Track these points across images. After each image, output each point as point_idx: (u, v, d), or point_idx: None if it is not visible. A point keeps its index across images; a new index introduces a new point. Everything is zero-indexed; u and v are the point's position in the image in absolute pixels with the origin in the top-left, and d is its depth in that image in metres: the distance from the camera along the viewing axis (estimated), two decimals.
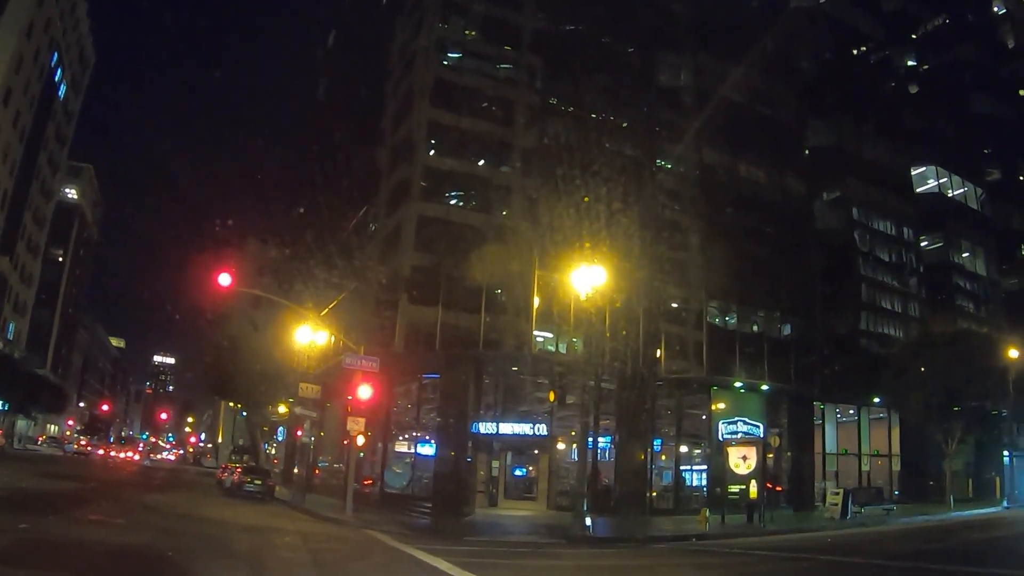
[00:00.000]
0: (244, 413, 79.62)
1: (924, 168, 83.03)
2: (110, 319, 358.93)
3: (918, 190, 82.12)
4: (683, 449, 54.14)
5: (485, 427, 47.37)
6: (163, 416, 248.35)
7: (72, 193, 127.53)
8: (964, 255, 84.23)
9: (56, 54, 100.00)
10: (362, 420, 38.61)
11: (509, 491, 50.20)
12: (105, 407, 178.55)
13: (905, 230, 76.63)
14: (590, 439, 40.81)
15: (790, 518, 48.04)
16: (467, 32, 55.86)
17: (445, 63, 54.86)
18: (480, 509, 45.65)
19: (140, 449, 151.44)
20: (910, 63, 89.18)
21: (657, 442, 52.55)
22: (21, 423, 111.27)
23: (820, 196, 69.47)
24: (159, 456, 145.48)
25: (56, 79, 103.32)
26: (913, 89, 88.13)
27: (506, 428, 47.76)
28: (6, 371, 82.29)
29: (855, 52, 78.00)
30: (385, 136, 58.54)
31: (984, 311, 77.97)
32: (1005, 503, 57.93)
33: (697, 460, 55.43)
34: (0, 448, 73.77)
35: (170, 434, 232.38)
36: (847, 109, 72.41)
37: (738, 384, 55.09)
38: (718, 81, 58.63)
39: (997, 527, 41.06)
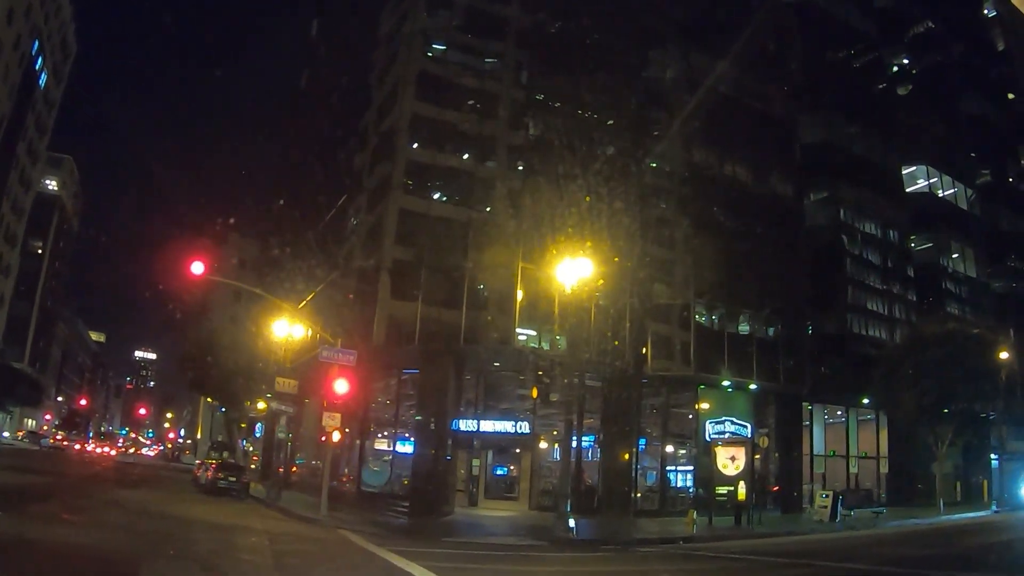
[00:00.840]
0: (223, 409, 78.57)
1: (915, 167, 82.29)
2: (90, 313, 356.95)
3: (908, 190, 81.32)
4: (669, 449, 53.00)
5: (466, 424, 46.16)
6: (142, 412, 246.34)
7: (52, 184, 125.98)
8: (954, 256, 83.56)
9: (37, 41, 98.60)
10: (338, 415, 37.60)
11: (490, 490, 48.92)
12: (83, 402, 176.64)
13: (895, 230, 75.73)
14: (573, 438, 39.84)
15: (778, 520, 47.04)
16: (452, 24, 54.61)
17: (430, 55, 53.68)
18: (460, 509, 44.29)
19: (119, 445, 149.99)
20: (902, 62, 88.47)
21: (642, 441, 51.45)
22: None
23: (810, 194, 68.37)
24: (139, 452, 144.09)
25: (37, 67, 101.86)
26: (904, 88, 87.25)
27: (487, 426, 46.60)
28: None
29: (847, 49, 76.89)
30: (368, 129, 57.32)
31: (973, 312, 76.98)
32: (994, 507, 57.23)
33: (683, 460, 54.33)
34: None
35: (150, 430, 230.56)
36: (838, 106, 71.35)
37: (726, 383, 53.96)
38: (707, 77, 57.73)
39: (994, 532, 40.06)
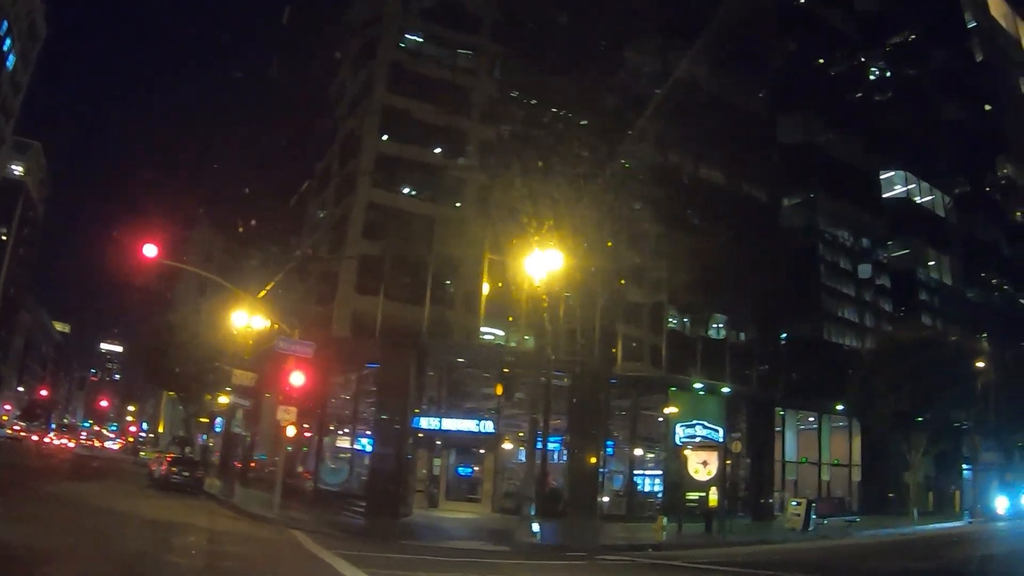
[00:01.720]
0: (184, 406, 76.87)
1: (892, 173, 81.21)
2: (55, 303, 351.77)
3: (885, 195, 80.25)
4: (637, 452, 51.51)
5: (428, 422, 44.52)
6: (103, 404, 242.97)
7: (17, 169, 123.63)
8: (930, 263, 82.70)
9: (6, 23, 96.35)
10: (294, 409, 36.02)
11: (451, 491, 47.25)
12: (44, 392, 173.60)
13: (871, 235, 74.60)
14: (539, 438, 38.48)
15: (750, 528, 45.79)
16: (427, 18, 53.20)
17: (403, 46, 52.21)
18: (419, 510, 42.70)
19: (82, 437, 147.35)
20: (882, 67, 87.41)
21: (610, 444, 50.13)
22: None
23: (786, 197, 67.03)
24: (102, 445, 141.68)
25: (4, 48, 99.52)
26: (884, 94, 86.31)
27: (450, 424, 44.96)
28: None
29: (827, 52, 75.94)
30: (340, 120, 55.77)
31: (948, 321, 76.16)
32: (967, 517, 56.44)
33: (652, 465, 52.84)
34: None
35: (113, 423, 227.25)
36: (817, 109, 70.15)
37: (697, 385, 52.63)
38: (684, 76, 56.70)
39: (973, 544, 38.82)
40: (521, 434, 46.06)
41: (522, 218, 39.42)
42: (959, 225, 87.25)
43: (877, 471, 62.13)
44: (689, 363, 53.10)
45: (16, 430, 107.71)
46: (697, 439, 43.94)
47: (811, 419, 63.29)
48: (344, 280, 46.24)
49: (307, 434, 48.67)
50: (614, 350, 49.21)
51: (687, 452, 42.47)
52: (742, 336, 58.97)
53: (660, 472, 51.36)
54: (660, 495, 50.25)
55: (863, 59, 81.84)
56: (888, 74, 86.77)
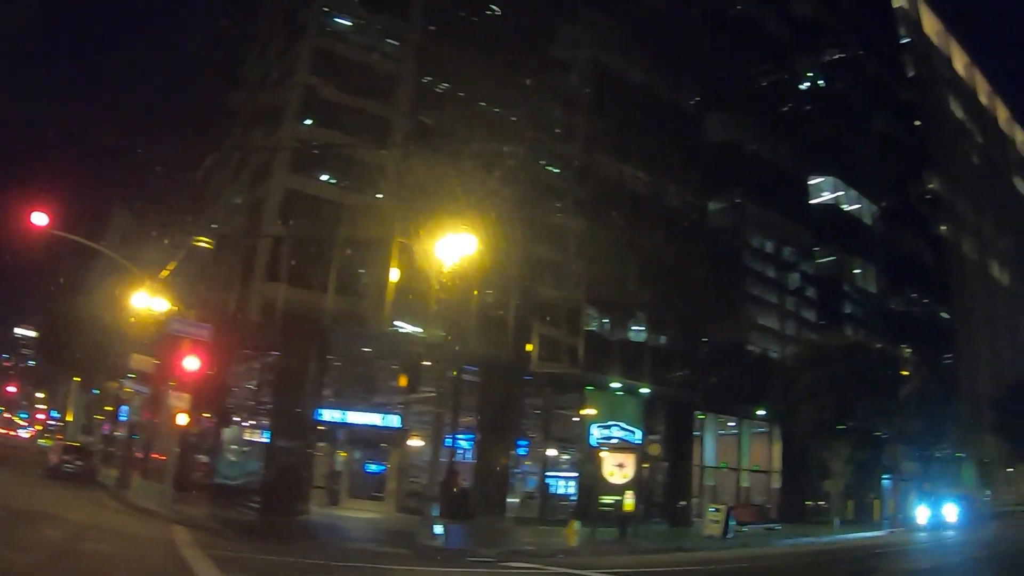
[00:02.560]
0: (95, 390, 74.15)
1: (821, 179, 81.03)
2: None
3: (813, 201, 79.99)
4: (551, 453, 50.17)
5: (331, 415, 42.30)
6: (10, 390, 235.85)
7: None
8: (855, 272, 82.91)
9: None
10: (187, 396, 34.15)
11: (355, 489, 44.86)
12: None
13: (798, 240, 73.91)
14: (447, 435, 36.82)
15: (667, 534, 44.42)
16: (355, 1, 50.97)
17: (329, 30, 49.81)
18: (320, 508, 40.38)
19: None
20: (816, 74, 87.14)
21: (524, 444, 48.63)
22: None
23: (713, 199, 65.84)
24: (12, 432, 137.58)
25: None
26: (817, 101, 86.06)
27: (355, 417, 42.68)
28: None
29: (763, 54, 75.06)
30: (259, 102, 53.16)
31: (871, 331, 76.18)
32: (888, 527, 55.99)
33: (566, 466, 51.52)
34: None
35: (23, 411, 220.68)
36: (749, 110, 69.56)
37: (615, 385, 51.37)
38: (613, 69, 55.71)
39: (902, 556, 37.23)
40: (432, 430, 44.10)
41: (438, 209, 37.57)
42: (885, 235, 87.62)
43: (798, 478, 61.94)
44: (607, 363, 51.84)
45: None
46: (613, 440, 42.57)
47: (731, 424, 62.94)
48: (247, 264, 43.96)
49: (209, 424, 46.40)
50: (529, 347, 47.62)
51: (602, 454, 40.70)
52: (663, 338, 57.90)
53: (575, 474, 50.03)
54: (574, 498, 48.89)
55: (797, 65, 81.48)
56: (821, 82, 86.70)
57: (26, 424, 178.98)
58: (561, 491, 50.80)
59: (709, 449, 60.54)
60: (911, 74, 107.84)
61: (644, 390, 52.80)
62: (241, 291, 43.92)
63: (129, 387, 57.56)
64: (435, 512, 30.28)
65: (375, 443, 44.75)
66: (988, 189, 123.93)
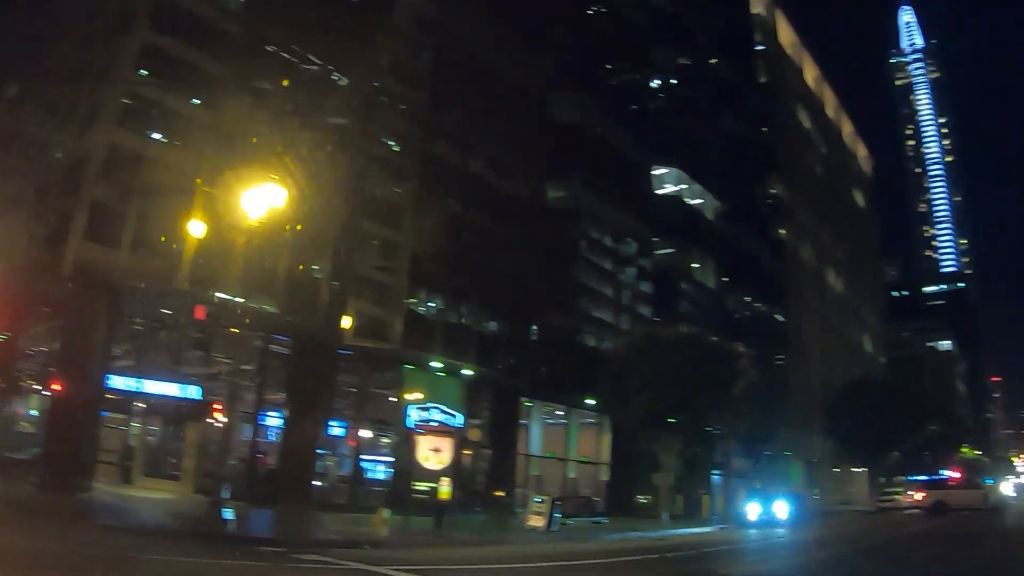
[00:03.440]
0: None
1: (666, 170, 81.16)
2: None
3: (657, 191, 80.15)
4: (366, 435, 47.55)
5: (124, 383, 38.09)
6: None
7: None
8: (694, 265, 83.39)
9: None
10: None
11: (151, 467, 40.60)
12: None
13: (639, 229, 73.33)
14: (252, 411, 33.94)
15: (486, 525, 42.55)
16: None
17: None
18: (108, 486, 36.41)
19: None
20: (669, 66, 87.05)
21: (340, 425, 45.95)
22: None
23: (552, 181, 64.26)
24: None
25: None
26: (668, 92, 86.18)
27: (152, 387, 38.81)
28: None
29: (614, 39, 74.09)
30: (90, 53, 48.63)
31: (707, 325, 76.24)
32: (717, 523, 55.63)
33: (384, 450, 48.91)
34: None
35: None
36: (595, 93, 68.45)
37: (436, 365, 49.46)
38: (452, 39, 53.59)
39: (743, 553, 35.47)
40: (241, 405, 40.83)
41: (252, 162, 34.58)
42: (726, 233, 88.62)
43: (627, 471, 61.40)
44: (429, 342, 50.01)
45: None
46: (433, 423, 39.99)
47: (560, 413, 61.79)
48: (38, 216, 39.96)
49: None
50: (346, 319, 44.91)
51: (417, 437, 38.39)
52: (492, 323, 56.35)
53: (393, 459, 47.70)
54: (390, 484, 46.56)
55: (650, 55, 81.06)
56: (673, 75, 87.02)
57: None
58: (378, 476, 48.30)
59: (535, 438, 59.21)
60: (763, 79, 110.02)
61: (467, 372, 51.02)
62: (30, 246, 39.87)
63: None
64: (225, 495, 27.48)
65: (175, 417, 41.04)
66: (828, 199, 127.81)
